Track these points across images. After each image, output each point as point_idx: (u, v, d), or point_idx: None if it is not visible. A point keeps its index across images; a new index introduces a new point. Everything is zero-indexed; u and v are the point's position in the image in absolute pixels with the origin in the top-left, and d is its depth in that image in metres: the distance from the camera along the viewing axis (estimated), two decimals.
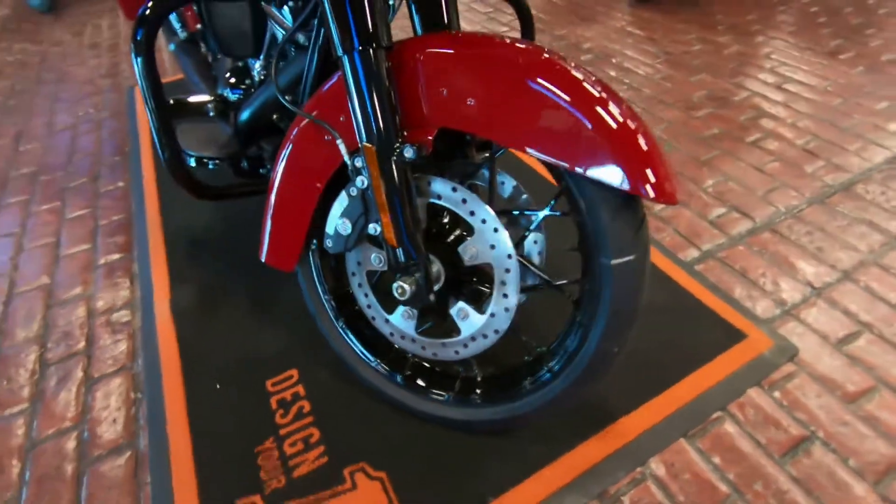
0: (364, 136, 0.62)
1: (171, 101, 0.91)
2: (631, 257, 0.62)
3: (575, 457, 0.82)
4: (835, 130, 1.53)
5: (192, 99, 0.95)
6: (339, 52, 0.60)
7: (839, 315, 1.02)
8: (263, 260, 0.82)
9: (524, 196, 0.82)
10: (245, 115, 1.01)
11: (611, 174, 0.55)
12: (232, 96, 1.07)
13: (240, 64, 1.08)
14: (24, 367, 1.05)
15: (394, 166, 0.62)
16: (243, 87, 1.07)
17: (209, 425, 0.91)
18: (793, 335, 0.99)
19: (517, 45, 0.61)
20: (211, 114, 0.97)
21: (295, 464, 0.84)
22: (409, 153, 0.62)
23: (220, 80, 1.13)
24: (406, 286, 0.67)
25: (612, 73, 1.92)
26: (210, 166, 1.01)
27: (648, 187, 0.54)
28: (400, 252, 0.67)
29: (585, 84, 0.57)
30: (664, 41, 2.11)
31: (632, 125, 0.57)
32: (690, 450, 0.83)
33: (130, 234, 1.36)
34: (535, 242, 0.82)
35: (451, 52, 0.61)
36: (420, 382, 0.85)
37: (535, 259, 0.83)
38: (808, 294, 1.07)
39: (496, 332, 0.71)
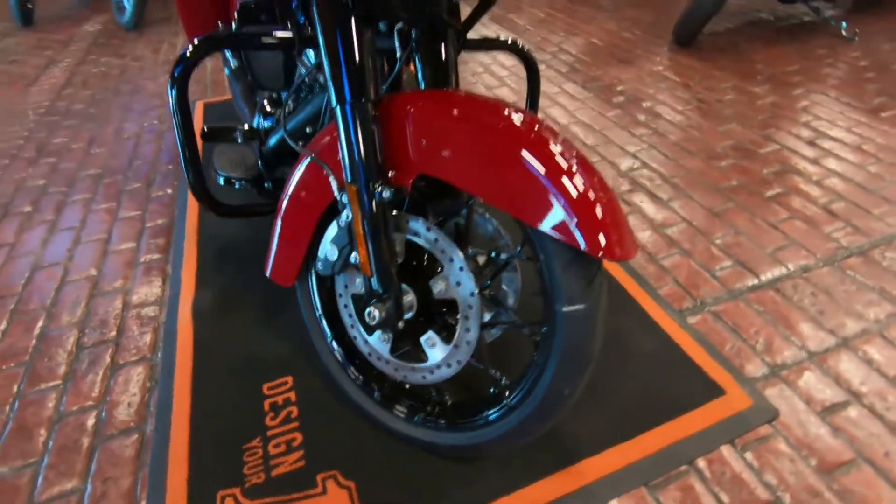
0: (349, 176, 0.70)
1: (206, 128, 1.03)
2: (581, 306, 0.67)
3: (534, 491, 0.86)
4: (862, 192, 1.49)
5: (224, 126, 1.07)
6: (333, 102, 0.69)
7: (830, 382, 1.01)
8: (267, 274, 0.92)
9: (504, 237, 0.88)
10: (272, 141, 1.12)
11: (565, 233, 0.60)
12: (264, 124, 1.19)
13: (273, 95, 1.20)
14: (63, 348, 1.19)
15: (372, 205, 0.70)
16: (274, 116, 1.19)
17: (208, 419, 1.00)
18: (777, 398, 0.98)
19: (495, 106, 0.68)
20: (239, 140, 1.09)
21: (275, 463, 0.92)
22: (386, 194, 0.69)
23: (257, 107, 1.26)
24: (376, 312, 0.74)
25: (641, 118, 1.95)
26: (237, 186, 1.13)
27: (599, 248, 0.59)
28: (374, 281, 0.74)
29: (558, 152, 0.62)
30: (698, 88, 2.12)
31: (593, 194, 0.61)
32: (650, 499, 0.85)
33: (170, 237, 1.51)
34: (512, 282, 0.87)
35: (435, 108, 0.69)
36: (395, 402, 0.91)
37: (511, 298, 0.88)
38: (800, 357, 1.05)
39: (458, 362, 0.77)
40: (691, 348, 1.07)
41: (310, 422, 0.99)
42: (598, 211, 0.60)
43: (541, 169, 0.61)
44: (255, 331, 1.18)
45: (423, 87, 0.81)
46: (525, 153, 0.62)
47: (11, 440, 1.00)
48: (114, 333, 1.22)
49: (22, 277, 1.40)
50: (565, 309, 0.67)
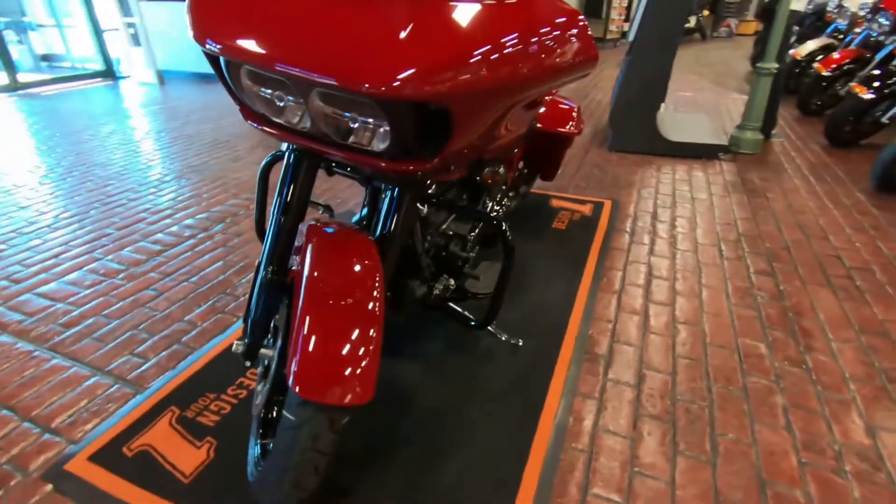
0: None
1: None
2: (292, 418, 0.85)
3: None
4: None
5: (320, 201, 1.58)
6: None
7: None
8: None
9: None
10: None
11: (288, 368, 0.82)
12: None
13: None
14: (206, 300, 1.93)
15: (261, 297, 1.04)
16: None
17: (215, 366, 1.51)
18: None
19: (343, 277, 0.91)
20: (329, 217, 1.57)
21: (205, 414, 1.34)
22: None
23: None
24: (235, 346, 1.07)
25: (778, 359, 1.56)
26: None
27: (295, 387, 0.79)
28: (248, 327, 1.08)
29: (346, 317, 0.84)
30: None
31: (334, 354, 0.81)
32: None
33: None
34: None
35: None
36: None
37: None
38: None
39: None
40: None
41: (242, 406, 1.37)
42: (323, 366, 0.81)
43: (309, 325, 0.83)
44: None
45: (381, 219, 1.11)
46: (318, 307, 0.85)
47: (160, 340, 1.75)
48: (232, 305, 1.89)
49: (219, 260, 2.27)
50: (284, 411, 0.86)
